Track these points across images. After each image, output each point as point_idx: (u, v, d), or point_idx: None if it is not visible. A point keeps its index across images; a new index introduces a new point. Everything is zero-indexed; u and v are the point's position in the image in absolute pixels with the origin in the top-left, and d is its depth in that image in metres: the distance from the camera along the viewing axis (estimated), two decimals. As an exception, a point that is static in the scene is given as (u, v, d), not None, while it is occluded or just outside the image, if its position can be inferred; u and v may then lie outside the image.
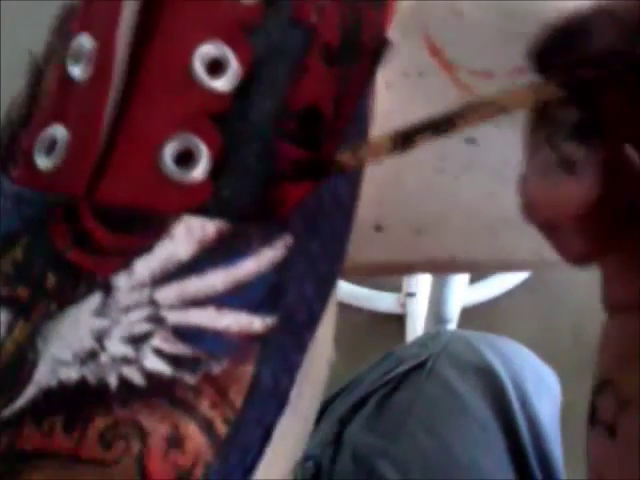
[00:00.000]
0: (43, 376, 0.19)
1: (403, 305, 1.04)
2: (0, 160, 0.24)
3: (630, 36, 0.16)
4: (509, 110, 0.18)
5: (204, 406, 0.20)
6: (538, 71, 0.18)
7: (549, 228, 0.18)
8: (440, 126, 0.19)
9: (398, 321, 1.04)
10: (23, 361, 0.20)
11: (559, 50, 0.17)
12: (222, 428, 0.20)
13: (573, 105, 0.17)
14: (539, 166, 0.17)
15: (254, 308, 0.21)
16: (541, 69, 0.17)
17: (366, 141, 0.23)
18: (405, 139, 0.19)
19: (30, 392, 0.19)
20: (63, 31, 0.25)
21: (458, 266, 0.28)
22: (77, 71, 0.23)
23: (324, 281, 0.23)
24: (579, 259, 0.18)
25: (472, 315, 1.00)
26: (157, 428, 0.19)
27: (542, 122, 0.18)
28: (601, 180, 0.17)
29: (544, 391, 0.50)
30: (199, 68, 0.22)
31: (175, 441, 0.19)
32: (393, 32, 0.28)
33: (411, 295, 1.02)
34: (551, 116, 0.18)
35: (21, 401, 0.19)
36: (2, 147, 0.24)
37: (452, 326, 0.84)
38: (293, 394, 0.21)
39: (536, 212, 0.17)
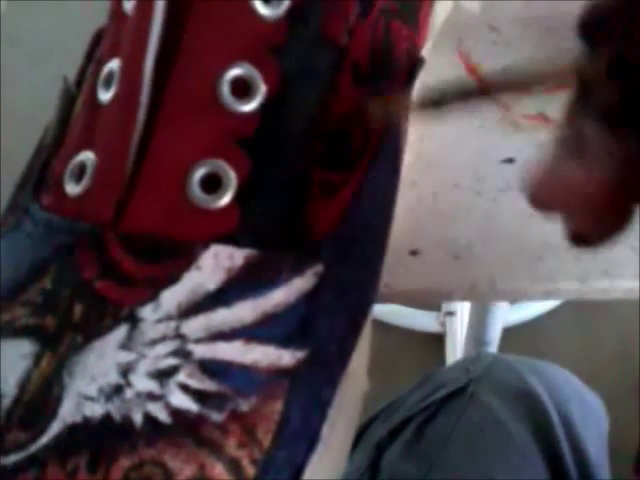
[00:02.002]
0: (68, 412, 0.19)
1: (442, 324, 1.02)
2: (33, 186, 0.24)
3: None
4: (545, 83, 0.17)
5: (231, 446, 0.19)
6: (585, 44, 0.16)
7: (548, 210, 0.17)
8: (472, 94, 0.19)
9: (437, 341, 1.02)
10: (49, 395, 0.19)
11: (608, 23, 0.15)
12: (249, 469, 0.19)
13: (615, 87, 0.15)
14: (552, 143, 0.16)
15: (283, 341, 0.20)
16: (588, 42, 0.16)
17: (397, 97, 0.23)
18: (436, 103, 0.19)
19: (55, 429, 0.19)
20: (94, 54, 0.24)
21: (499, 293, 0.27)
22: (108, 96, 0.22)
23: (356, 312, 0.22)
24: (579, 242, 0.17)
25: (514, 335, 0.97)
26: (182, 469, 0.18)
27: (579, 100, 0.16)
28: (612, 175, 0.15)
29: (590, 419, 0.48)
30: (226, 91, 0.21)
31: None
32: (427, 49, 0.27)
33: (451, 314, 1.00)
34: (588, 94, 0.16)
35: (45, 438, 0.19)
36: (35, 173, 0.24)
37: (493, 347, 0.82)
38: (325, 430, 0.21)
39: (530, 190, 0.16)
